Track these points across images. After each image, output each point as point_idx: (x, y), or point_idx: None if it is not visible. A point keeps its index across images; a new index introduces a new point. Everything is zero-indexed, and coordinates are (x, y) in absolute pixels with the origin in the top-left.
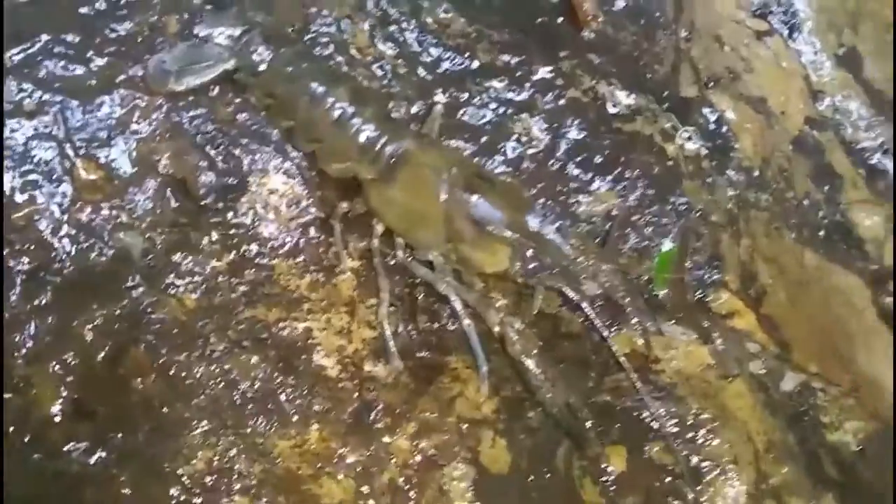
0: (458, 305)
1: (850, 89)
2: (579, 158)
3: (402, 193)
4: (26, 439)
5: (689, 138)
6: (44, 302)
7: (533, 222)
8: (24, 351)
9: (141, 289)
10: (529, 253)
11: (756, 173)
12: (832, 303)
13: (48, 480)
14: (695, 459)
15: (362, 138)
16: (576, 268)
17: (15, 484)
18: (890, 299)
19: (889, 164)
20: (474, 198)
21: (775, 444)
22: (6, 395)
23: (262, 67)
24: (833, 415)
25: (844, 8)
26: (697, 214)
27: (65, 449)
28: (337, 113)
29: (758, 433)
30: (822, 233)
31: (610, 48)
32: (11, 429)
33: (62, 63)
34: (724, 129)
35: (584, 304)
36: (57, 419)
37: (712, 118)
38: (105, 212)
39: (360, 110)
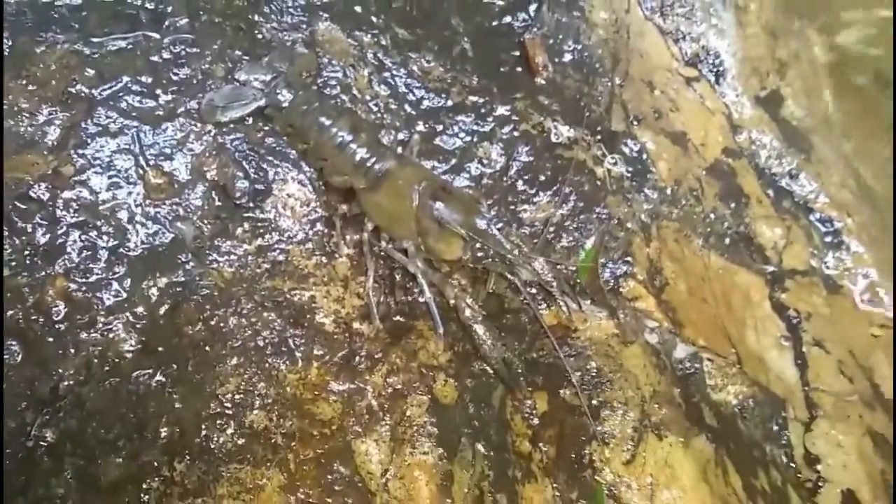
0: (423, 283)
1: (766, 125)
2: (527, 177)
3: (385, 199)
4: (106, 368)
5: (615, 163)
6: (121, 271)
7: (481, 223)
8: (106, 304)
9: (191, 263)
10: (477, 245)
11: (668, 192)
12: (730, 295)
13: (122, 397)
14: (596, 401)
15: (357, 158)
16: (513, 258)
17: (95, 399)
18: (783, 295)
19: (795, 187)
20: (437, 204)
21: (660, 393)
22: (89, 339)
23: (285, 104)
24: (717, 379)
25: (773, 56)
26: (615, 222)
27: (134, 375)
28: (339, 139)
29: (646, 384)
30: (727, 241)
31: (557, 91)
32: (95, 361)
33: (138, 98)
34: (644, 156)
35: (521, 287)
36: (129, 354)
37: (635, 148)
38: (166, 207)
39: (357, 137)
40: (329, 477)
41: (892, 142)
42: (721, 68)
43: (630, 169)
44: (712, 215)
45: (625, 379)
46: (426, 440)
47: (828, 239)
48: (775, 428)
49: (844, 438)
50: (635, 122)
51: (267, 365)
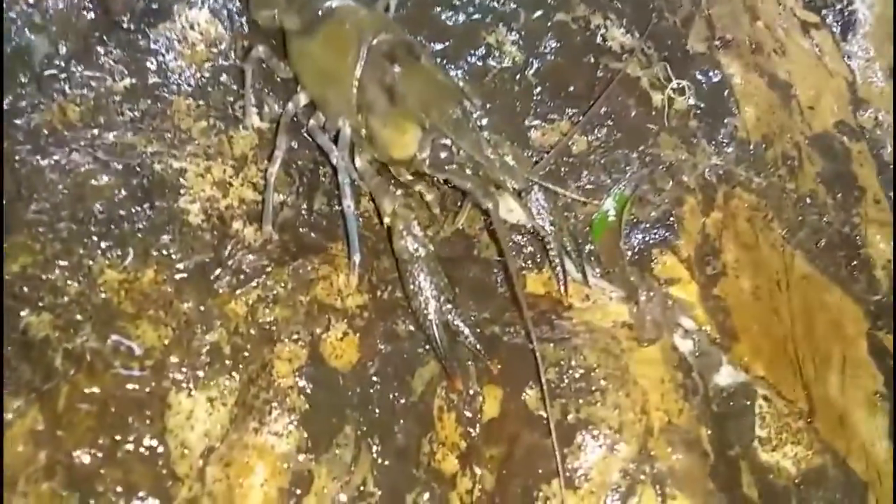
0: (345, 182)
1: None
2: (549, 84)
3: (321, 49)
4: None
5: (682, 92)
6: None
7: (455, 114)
8: None
9: (30, 87)
10: (443, 141)
11: (752, 149)
12: (815, 317)
13: None
14: (573, 417)
15: None
16: (494, 173)
17: None
18: (887, 336)
19: None
20: (395, 68)
21: (677, 428)
22: None
23: None
24: (772, 430)
25: None
26: (664, 169)
27: None
28: None
29: (657, 409)
30: (822, 241)
31: None
32: None
33: None
34: (726, 92)
35: (498, 225)
36: None
37: (715, 78)
38: (20, 5)
39: None
40: (112, 437)
41: None
42: (852, 20)
43: (702, 105)
44: (808, 200)
45: (626, 393)
46: (286, 416)
47: None
48: None
49: None
50: (721, 46)
51: (81, 249)
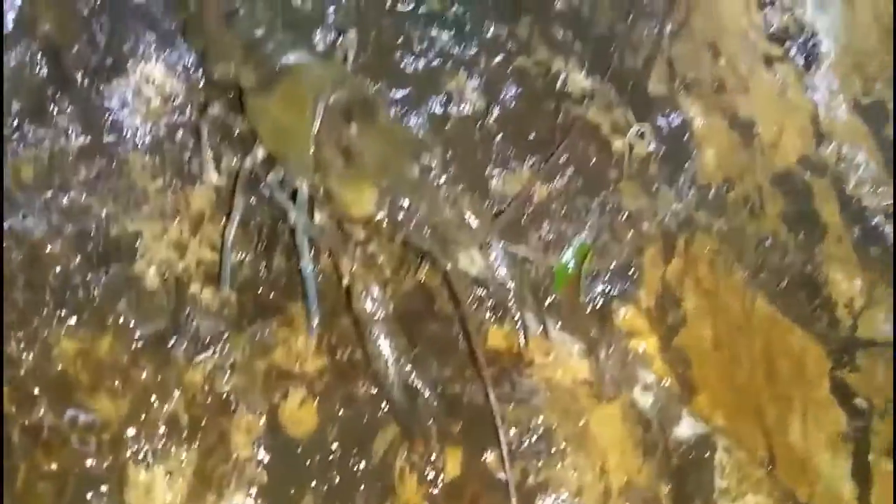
0: (303, 241)
1: (864, 141)
2: (509, 130)
3: (278, 106)
4: None
5: (642, 136)
6: None
7: (412, 172)
8: None
9: None
10: (402, 202)
11: (713, 193)
12: (777, 360)
13: None
14: (532, 479)
15: (250, 38)
16: (455, 233)
17: None
18: (850, 374)
19: (889, 230)
20: (352, 127)
21: (636, 488)
22: None
23: None
24: (734, 481)
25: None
26: (625, 218)
27: None
28: (229, 7)
29: (616, 469)
30: (785, 281)
31: (581, 24)
32: None
33: None
34: (686, 136)
35: (455, 281)
36: None
37: (675, 122)
38: None
39: (254, 9)
40: None
41: None
42: (816, 52)
43: (663, 149)
44: (770, 241)
45: (586, 454)
46: (245, 487)
47: None
48: None
49: None
50: (683, 88)
51: (37, 320)
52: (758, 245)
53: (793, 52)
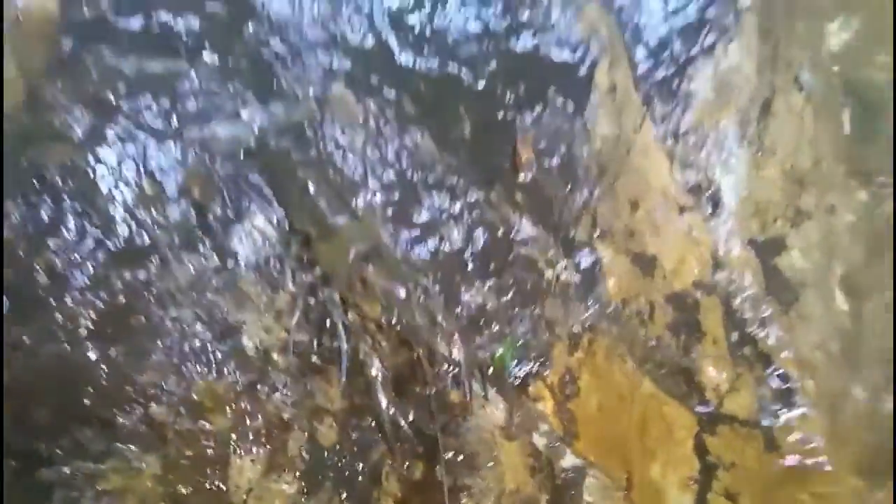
0: (341, 330)
1: (751, 269)
2: (478, 262)
3: (329, 251)
4: (59, 335)
5: (565, 268)
6: (101, 258)
7: (400, 293)
8: (78, 284)
9: (155, 265)
10: (397, 311)
11: (612, 308)
12: (650, 424)
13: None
14: (459, 482)
15: (318, 209)
16: (430, 331)
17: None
18: (711, 438)
19: (761, 335)
20: (368, 266)
21: (517, 493)
22: None
23: (272, 147)
24: (596, 498)
25: (791, 204)
26: (545, 324)
27: (76, 347)
28: (303, 188)
29: (509, 481)
30: (664, 370)
31: (535, 190)
32: (53, 328)
33: (153, 115)
34: (597, 269)
35: (423, 358)
36: (81, 331)
37: (590, 260)
38: (152, 214)
39: (320, 190)
40: (199, 478)
41: None
42: (719, 203)
43: (579, 278)
44: (655, 342)
45: (493, 470)
46: (292, 472)
47: (779, 395)
48: None
49: None
50: (598, 237)
51: (185, 368)
52: (645, 344)
53: (702, 202)
